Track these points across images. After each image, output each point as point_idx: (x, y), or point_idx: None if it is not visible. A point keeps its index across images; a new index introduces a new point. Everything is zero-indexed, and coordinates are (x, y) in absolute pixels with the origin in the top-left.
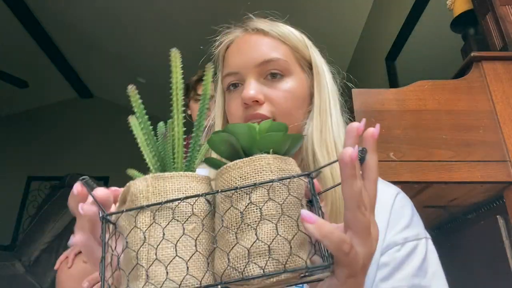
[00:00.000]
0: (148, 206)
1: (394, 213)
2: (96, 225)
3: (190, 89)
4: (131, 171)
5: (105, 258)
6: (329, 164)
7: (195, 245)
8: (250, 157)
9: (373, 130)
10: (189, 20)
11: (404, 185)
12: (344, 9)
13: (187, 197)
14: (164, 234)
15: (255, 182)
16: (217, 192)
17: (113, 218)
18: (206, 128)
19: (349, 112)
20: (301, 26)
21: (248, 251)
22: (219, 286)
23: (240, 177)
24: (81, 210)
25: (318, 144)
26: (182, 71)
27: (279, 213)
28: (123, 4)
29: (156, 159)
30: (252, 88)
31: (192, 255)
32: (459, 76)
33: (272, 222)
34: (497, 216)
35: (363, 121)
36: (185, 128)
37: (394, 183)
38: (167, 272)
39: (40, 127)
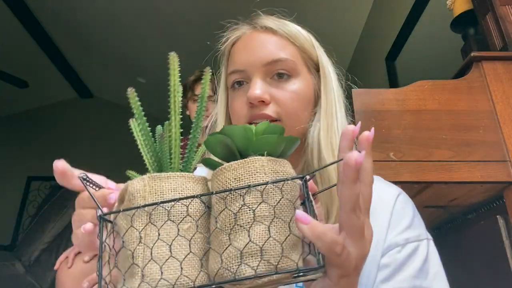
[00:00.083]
0: (143, 206)
1: (396, 214)
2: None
3: (187, 90)
4: (130, 173)
5: (103, 257)
6: (321, 168)
7: (189, 245)
8: (245, 159)
9: (368, 134)
10: (189, 20)
11: (404, 185)
12: (344, 9)
13: (182, 198)
14: (159, 234)
15: (249, 184)
16: (212, 193)
17: (111, 217)
18: (208, 127)
19: (352, 114)
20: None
21: (241, 252)
22: (213, 286)
23: (235, 179)
24: (83, 230)
25: (325, 147)
26: (179, 74)
27: (271, 215)
28: (123, 4)
29: (154, 160)
30: (258, 88)
31: (187, 255)
32: (459, 76)
33: (265, 224)
34: (497, 216)
35: (359, 124)
36: (181, 130)
37: (394, 183)
38: (161, 271)
39: (40, 127)
